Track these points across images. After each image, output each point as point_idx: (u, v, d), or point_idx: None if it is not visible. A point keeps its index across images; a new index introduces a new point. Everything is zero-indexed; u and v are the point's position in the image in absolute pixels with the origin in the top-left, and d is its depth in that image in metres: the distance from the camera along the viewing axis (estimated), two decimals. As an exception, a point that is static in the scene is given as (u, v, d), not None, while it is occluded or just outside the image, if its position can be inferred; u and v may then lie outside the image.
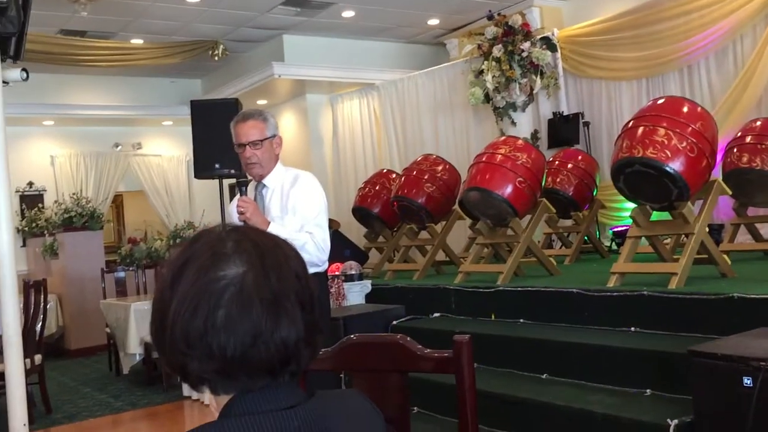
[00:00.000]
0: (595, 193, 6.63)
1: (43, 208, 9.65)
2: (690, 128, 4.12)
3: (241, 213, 3.10)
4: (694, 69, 6.91)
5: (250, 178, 3.41)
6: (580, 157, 6.63)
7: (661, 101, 4.45)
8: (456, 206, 6.44)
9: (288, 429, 0.94)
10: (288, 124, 10.08)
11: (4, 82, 4.19)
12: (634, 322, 3.92)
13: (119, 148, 10.66)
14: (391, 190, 6.71)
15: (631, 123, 4.37)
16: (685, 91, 6.85)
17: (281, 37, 9.08)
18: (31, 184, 10.06)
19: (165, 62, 9.16)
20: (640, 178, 4.19)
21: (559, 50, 7.82)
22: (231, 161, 4.62)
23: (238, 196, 3.20)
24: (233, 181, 4.65)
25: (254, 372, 0.95)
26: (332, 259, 6.34)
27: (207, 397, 1.05)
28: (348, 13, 8.50)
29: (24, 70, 4.35)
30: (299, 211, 3.18)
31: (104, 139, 10.59)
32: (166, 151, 11.15)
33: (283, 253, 1.02)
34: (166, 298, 0.97)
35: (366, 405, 1.11)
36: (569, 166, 6.51)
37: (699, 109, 4.29)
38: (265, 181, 3.27)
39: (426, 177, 6.32)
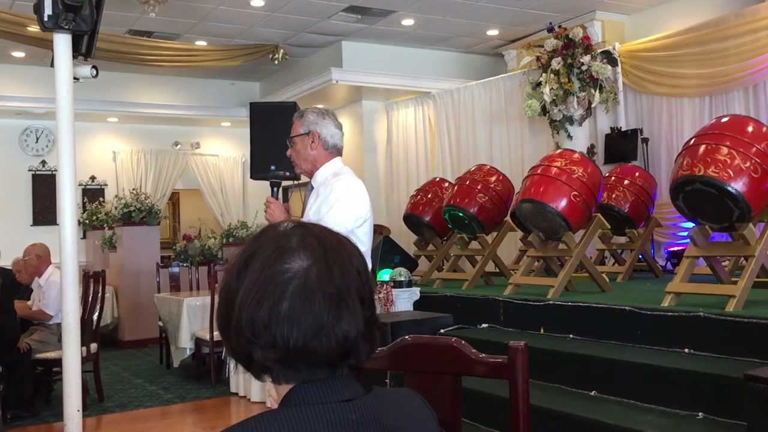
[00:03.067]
0: (651, 211, 6.51)
1: (103, 201, 9.95)
2: (754, 148, 4.02)
3: (265, 212, 3.16)
4: (760, 89, 6.73)
5: (294, 183, 3.42)
6: (637, 174, 6.52)
7: (725, 119, 4.36)
8: (508, 218, 6.41)
9: (346, 421, 0.96)
10: (343, 130, 10.15)
11: (75, 78, 4.36)
12: (689, 344, 3.83)
13: (178, 146, 10.93)
14: (444, 199, 6.71)
15: (693, 140, 4.29)
16: (750, 110, 6.68)
17: (340, 43, 9.19)
18: (93, 178, 10.39)
19: (227, 64, 9.36)
20: (701, 197, 4.11)
21: (619, 65, 7.73)
22: (286, 164, 4.70)
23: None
24: (289, 183, 4.73)
25: (315, 363, 0.98)
26: (382, 264, 6.40)
27: (267, 386, 1.08)
28: (407, 22, 8.55)
29: (94, 67, 4.51)
30: (314, 214, 2.94)
31: (164, 138, 10.88)
32: (223, 151, 11.38)
33: (345, 249, 1.04)
34: (232, 289, 1.01)
35: (421, 404, 1.13)
36: (626, 182, 6.41)
37: (765, 129, 4.18)
38: (312, 180, 3.17)
39: (479, 187, 6.30)
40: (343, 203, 2.97)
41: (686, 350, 3.83)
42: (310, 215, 3.00)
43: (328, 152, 3.12)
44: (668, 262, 7.06)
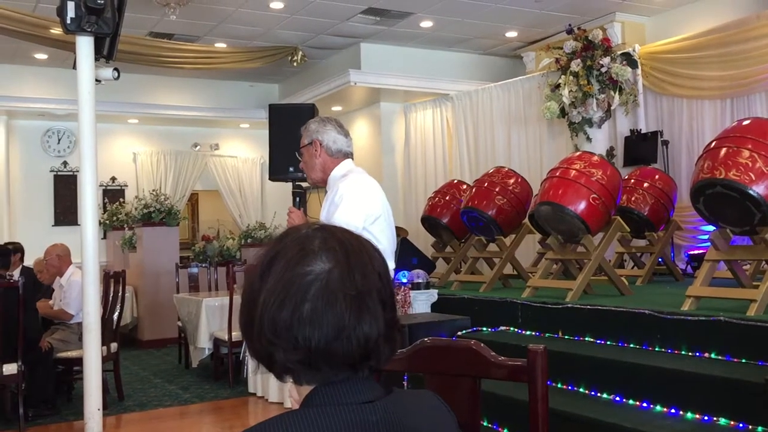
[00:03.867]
0: (671, 214, 6.46)
1: (124, 202, 10.05)
2: (776, 151, 3.98)
3: (287, 222, 3.18)
4: (782, 91, 6.67)
5: (306, 186, 3.45)
6: (657, 177, 6.48)
7: (746, 122, 4.31)
8: (526, 220, 6.39)
9: (367, 422, 0.97)
10: (361, 132, 10.19)
11: (97, 80, 4.40)
12: (709, 348, 3.80)
13: (198, 148, 11.01)
14: (461, 201, 6.70)
15: (713, 143, 4.25)
16: (772, 113, 6.62)
17: (359, 45, 9.21)
18: (113, 179, 10.49)
19: (246, 66, 9.41)
20: (721, 201, 4.07)
21: (639, 66, 7.68)
22: (305, 166, 4.73)
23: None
24: (304, 184, 4.75)
25: (336, 364, 0.99)
26: (400, 266, 6.40)
27: (288, 387, 1.09)
28: (426, 24, 8.55)
29: (116, 69, 4.55)
30: (324, 217, 3.01)
31: (184, 139, 10.97)
32: (242, 152, 11.44)
33: (367, 252, 1.05)
34: (255, 290, 1.02)
35: (440, 406, 1.14)
36: (645, 185, 6.37)
37: (787, 131, 4.13)
38: (327, 187, 3.22)
39: (497, 189, 6.29)
40: (348, 203, 2.97)
41: (707, 354, 3.81)
42: (322, 219, 3.02)
43: (334, 157, 3.15)
44: (688, 266, 7.00)
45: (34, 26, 7.40)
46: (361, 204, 3.01)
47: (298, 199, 3.34)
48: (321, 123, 3.19)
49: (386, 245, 3.07)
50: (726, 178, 3.99)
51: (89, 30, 4.13)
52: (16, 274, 6.25)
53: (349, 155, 3.19)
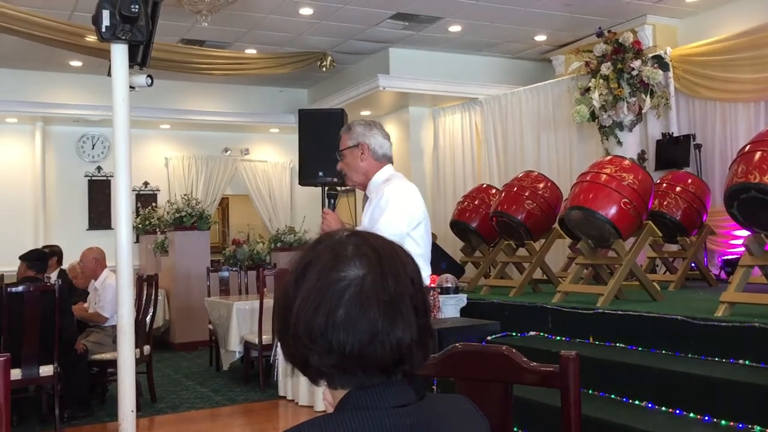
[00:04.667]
0: (704, 219, 6.37)
1: (156, 207, 10.18)
2: (813, 155, 3.91)
3: (322, 224, 3.18)
4: (819, 93, 6.55)
5: (341, 189, 3.45)
6: (689, 181, 6.39)
7: (781, 125, 4.26)
8: (556, 224, 6.35)
9: (401, 426, 0.98)
10: (390, 139, 10.20)
11: (131, 87, 4.48)
12: (744, 355, 3.75)
13: (228, 152, 11.13)
14: (491, 205, 6.69)
15: (748, 147, 4.20)
16: (808, 115, 6.50)
17: (387, 50, 9.24)
18: (146, 183, 10.65)
19: (276, 72, 9.50)
20: (756, 205, 4.02)
21: (671, 69, 7.59)
22: (334, 170, 4.74)
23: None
24: (338, 187, 4.78)
25: (370, 369, 1.00)
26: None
27: (323, 390, 1.11)
28: (455, 28, 8.56)
29: (149, 76, 4.62)
30: (368, 221, 3.02)
31: (215, 144, 11.09)
32: (272, 157, 11.54)
33: (400, 258, 1.07)
34: (290, 296, 1.04)
35: (473, 411, 1.15)
36: (678, 189, 6.29)
37: (824, 134, 4.07)
38: (367, 191, 3.25)
39: (527, 194, 6.27)
40: (395, 207, 3.00)
41: (741, 361, 3.75)
42: (365, 223, 3.04)
43: (378, 162, 3.17)
44: (722, 271, 6.90)
45: (70, 34, 7.55)
46: (406, 208, 3.04)
47: (332, 201, 3.35)
48: (367, 126, 3.20)
49: (424, 250, 3.09)
50: (761, 182, 3.93)
51: (123, 38, 4.20)
52: (53, 276, 6.37)
53: (391, 159, 3.22)
